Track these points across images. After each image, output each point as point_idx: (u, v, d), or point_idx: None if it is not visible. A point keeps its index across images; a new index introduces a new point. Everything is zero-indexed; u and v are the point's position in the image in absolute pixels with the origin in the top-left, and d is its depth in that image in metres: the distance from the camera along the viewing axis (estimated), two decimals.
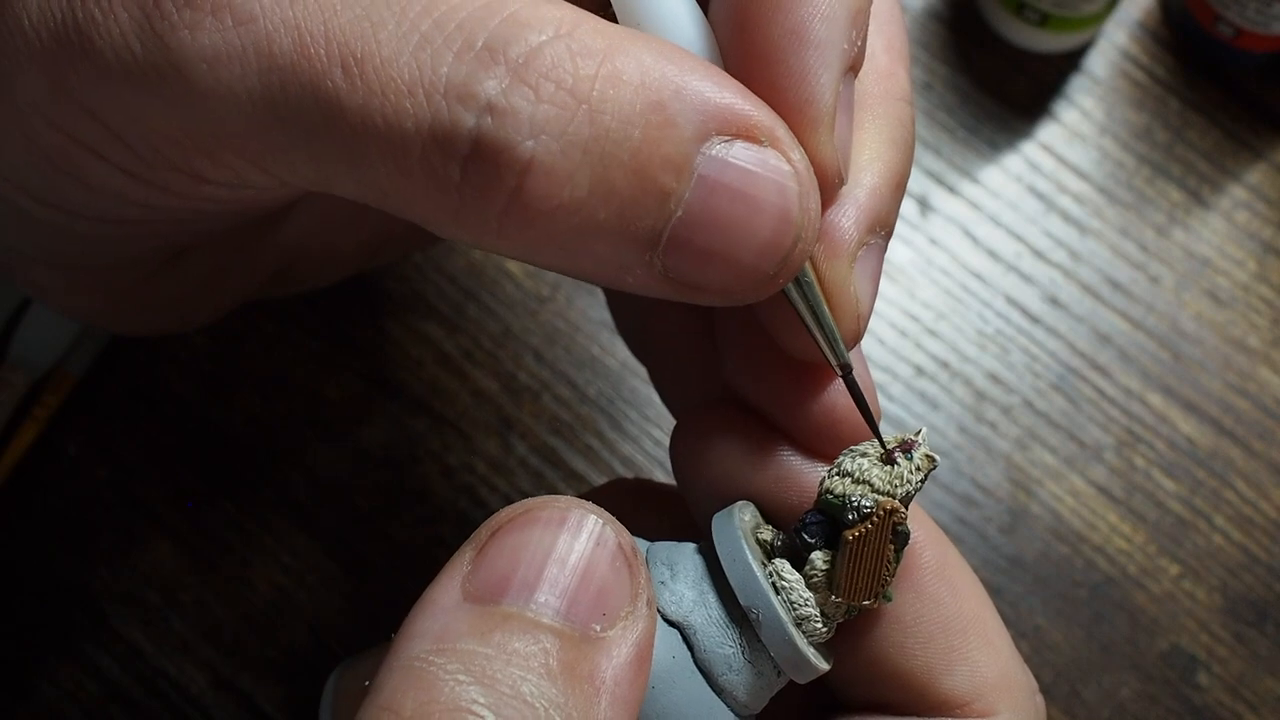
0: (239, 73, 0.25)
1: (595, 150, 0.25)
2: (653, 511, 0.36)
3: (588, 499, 0.37)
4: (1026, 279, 0.54)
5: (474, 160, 0.25)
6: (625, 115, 0.25)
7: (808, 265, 0.28)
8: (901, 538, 0.28)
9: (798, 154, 0.27)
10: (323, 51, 0.25)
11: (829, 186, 0.28)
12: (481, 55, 0.25)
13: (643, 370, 0.51)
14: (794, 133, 0.27)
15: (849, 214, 0.29)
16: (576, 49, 0.25)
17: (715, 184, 0.26)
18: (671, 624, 0.29)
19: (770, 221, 0.26)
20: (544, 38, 0.25)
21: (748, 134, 0.26)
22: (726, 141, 0.26)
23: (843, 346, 0.29)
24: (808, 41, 0.27)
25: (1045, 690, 0.33)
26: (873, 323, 0.53)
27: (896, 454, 0.29)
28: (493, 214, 0.25)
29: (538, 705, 0.24)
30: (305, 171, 0.26)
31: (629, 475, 0.50)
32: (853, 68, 0.28)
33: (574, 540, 0.26)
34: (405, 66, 0.25)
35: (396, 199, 0.26)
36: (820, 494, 0.29)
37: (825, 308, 0.29)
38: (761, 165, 0.26)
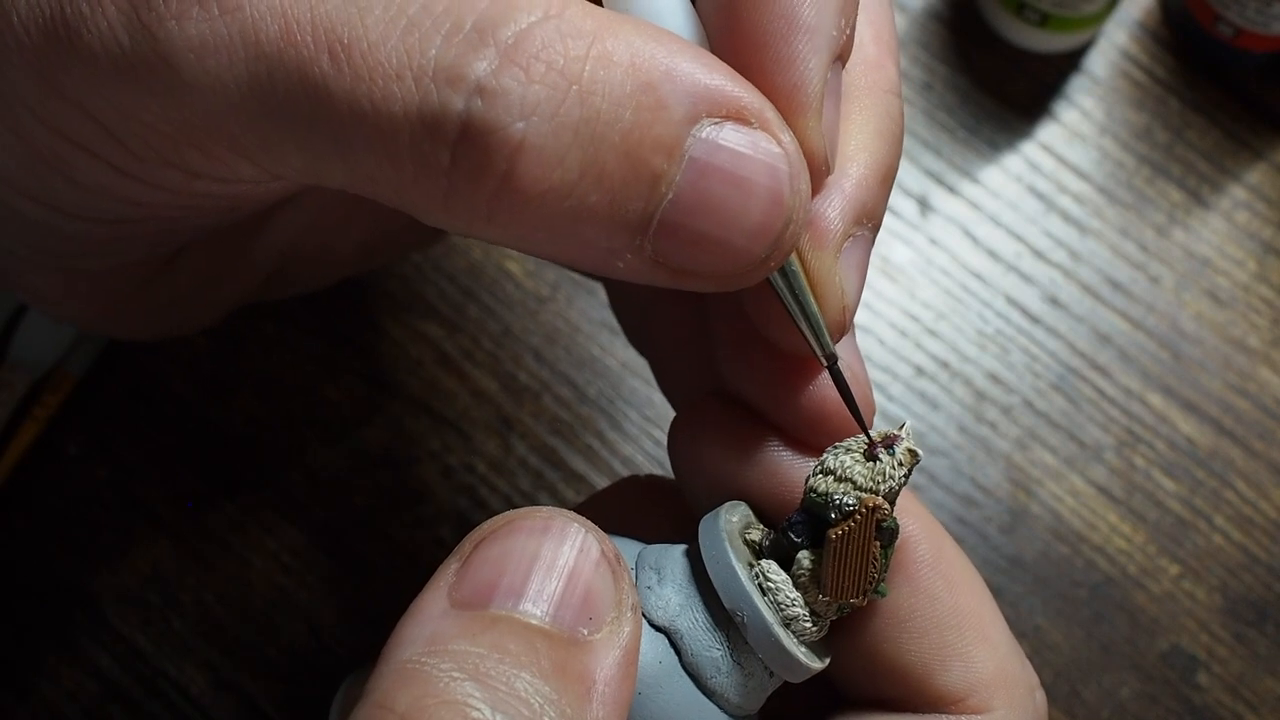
0: (226, 62, 0.25)
1: (586, 132, 0.25)
2: (665, 509, 0.35)
3: (601, 498, 0.37)
4: (1026, 279, 0.54)
5: (464, 144, 0.24)
6: (616, 97, 0.25)
7: (793, 255, 0.28)
8: (887, 534, 0.28)
9: (787, 136, 0.26)
10: (309, 38, 0.25)
11: (816, 174, 0.28)
12: (470, 37, 0.24)
13: (643, 370, 0.51)
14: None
15: (834, 204, 0.29)
16: (566, 30, 0.25)
17: (706, 166, 0.25)
18: (658, 629, 0.29)
19: (761, 204, 0.26)
20: (533, 19, 0.25)
21: (737, 115, 0.26)
22: (716, 123, 0.25)
23: (828, 337, 0.29)
24: (796, 26, 0.27)
25: (1045, 690, 0.32)
26: (873, 323, 0.53)
27: (879, 450, 0.28)
28: (483, 198, 0.25)
29: (533, 701, 0.24)
30: (295, 161, 0.26)
31: (628, 475, 0.50)
32: (840, 56, 0.28)
33: (558, 547, 0.26)
34: (393, 51, 0.24)
35: (385, 186, 0.26)
36: (805, 492, 0.29)
37: (810, 298, 0.28)
38: (752, 147, 0.26)
